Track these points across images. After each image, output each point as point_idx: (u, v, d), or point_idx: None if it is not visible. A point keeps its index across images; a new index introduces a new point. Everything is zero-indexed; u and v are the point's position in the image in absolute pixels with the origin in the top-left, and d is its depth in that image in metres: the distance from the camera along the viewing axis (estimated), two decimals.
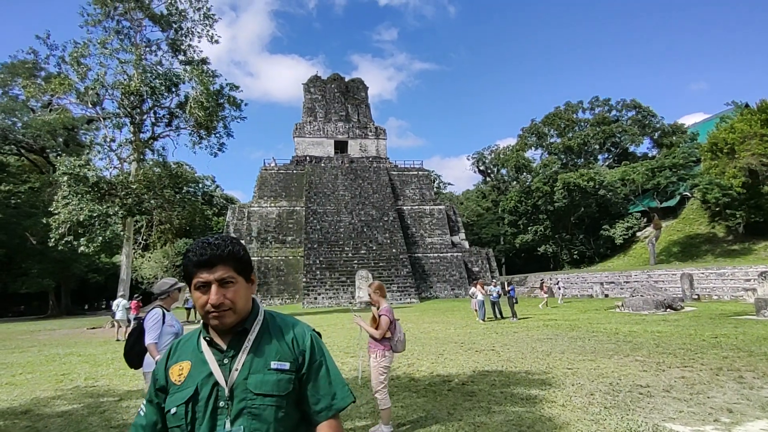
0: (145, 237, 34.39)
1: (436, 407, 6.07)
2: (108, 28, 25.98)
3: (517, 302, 19.80)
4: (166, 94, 26.06)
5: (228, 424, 1.39)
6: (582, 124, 66.20)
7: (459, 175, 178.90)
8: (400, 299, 34.49)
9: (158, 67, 26.85)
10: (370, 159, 49.58)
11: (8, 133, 40.67)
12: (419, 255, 41.63)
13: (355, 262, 37.51)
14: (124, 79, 24.58)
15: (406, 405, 6.23)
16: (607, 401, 5.99)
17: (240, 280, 1.49)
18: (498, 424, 5.24)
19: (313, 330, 1.64)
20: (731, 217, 37.93)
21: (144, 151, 27.38)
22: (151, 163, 29.11)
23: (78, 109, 27.38)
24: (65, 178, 22.13)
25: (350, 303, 33.42)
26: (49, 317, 39.71)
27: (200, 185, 64.83)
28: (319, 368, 1.54)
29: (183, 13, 27.16)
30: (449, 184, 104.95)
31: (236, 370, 1.44)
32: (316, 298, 34.68)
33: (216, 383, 1.44)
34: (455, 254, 42.43)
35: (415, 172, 48.76)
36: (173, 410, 1.45)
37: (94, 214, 22.02)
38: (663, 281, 26.67)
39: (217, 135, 28.15)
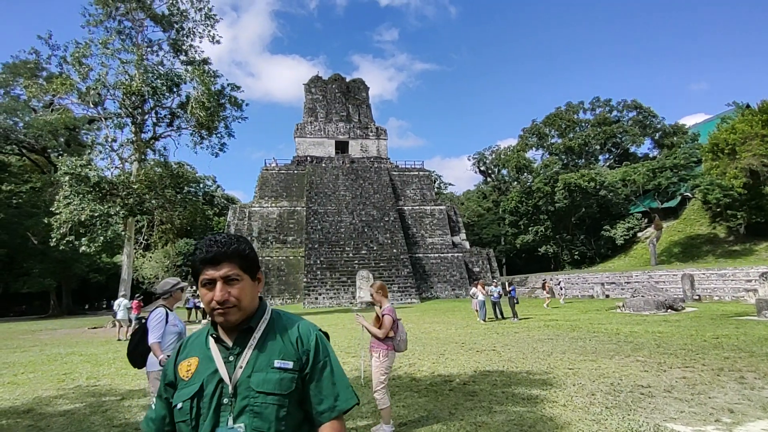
0: (146, 237, 34.44)
1: (438, 407, 6.08)
2: (110, 29, 26.04)
3: (518, 302, 19.80)
4: (167, 94, 26.10)
5: (231, 421, 1.40)
6: (583, 124, 66.13)
7: (460, 176, 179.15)
8: (401, 299, 34.48)
9: (160, 67, 26.89)
10: (371, 159, 49.60)
11: (10, 133, 40.71)
12: (420, 255, 41.63)
13: (356, 262, 37.51)
14: (126, 79, 24.61)
15: (408, 405, 6.24)
16: (608, 401, 6.00)
17: (245, 278, 1.50)
18: (499, 424, 5.25)
19: (320, 330, 1.63)
20: (732, 217, 37.88)
21: (145, 151, 27.40)
22: (152, 163, 29.09)
23: (79, 109, 27.44)
24: (67, 178, 22.15)
25: (351, 303, 33.43)
26: (50, 317, 39.73)
27: (201, 185, 64.86)
28: (323, 368, 1.53)
29: (184, 14, 27.21)
30: (450, 184, 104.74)
31: (240, 367, 1.45)
32: (316, 298, 34.68)
33: (221, 380, 1.45)
34: (456, 254, 42.42)
35: (416, 173, 48.76)
36: (179, 405, 1.47)
37: (96, 214, 22.04)
38: (664, 282, 26.66)
39: (218, 135, 28.19)
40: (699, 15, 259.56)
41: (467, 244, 47.30)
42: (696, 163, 42.39)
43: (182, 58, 27.98)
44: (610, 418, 5.28)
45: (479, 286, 19.08)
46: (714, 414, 5.33)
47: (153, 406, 1.58)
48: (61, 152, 41.26)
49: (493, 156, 74.01)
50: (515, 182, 66.68)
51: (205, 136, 27.65)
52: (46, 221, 24.46)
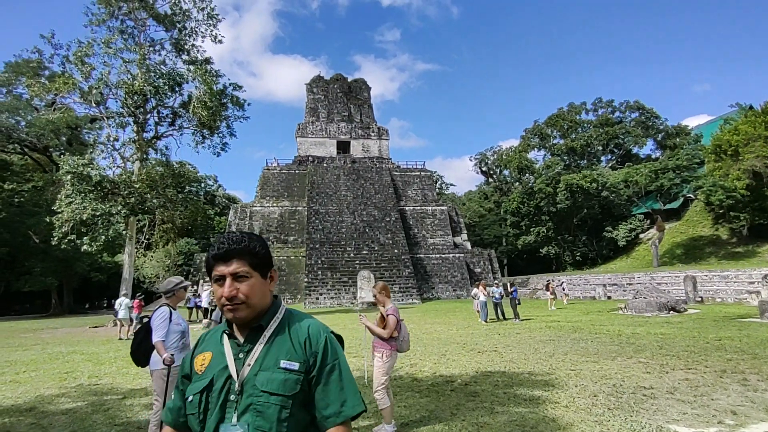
0: (147, 236, 34.50)
1: (440, 407, 6.07)
2: (112, 28, 26.08)
3: (519, 303, 19.78)
4: (169, 93, 26.14)
5: (235, 418, 1.40)
6: (585, 125, 65.99)
7: (461, 176, 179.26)
8: (402, 300, 34.46)
9: (162, 66, 26.92)
10: (373, 159, 49.59)
11: (12, 132, 40.82)
12: (421, 256, 41.60)
13: (357, 262, 37.51)
14: (128, 79, 24.66)
15: (410, 405, 6.24)
16: (610, 402, 5.98)
17: (255, 275, 1.50)
18: (501, 425, 5.24)
19: (331, 332, 1.60)
20: (735, 219, 37.76)
21: (147, 151, 27.44)
22: (154, 162, 29.12)
23: (81, 108, 27.55)
24: (68, 177, 22.18)
25: (352, 303, 33.42)
26: (51, 316, 39.79)
27: (202, 185, 64.86)
28: (330, 372, 1.50)
29: (187, 13, 27.26)
30: (451, 185, 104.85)
31: (249, 365, 1.45)
32: (317, 299, 34.69)
33: (229, 376, 1.45)
34: (457, 255, 42.39)
35: (418, 173, 48.74)
36: (190, 398, 1.49)
37: (97, 213, 22.07)
38: (666, 283, 26.59)
39: (220, 134, 28.25)
40: (702, 16, 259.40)
41: (469, 245, 47.26)
42: (699, 164, 42.26)
43: (184, 57, 28.03)
44: (613, 420, 5.27)
45: (481, 287, 19.06)
46: (717, 416, 5.31)
47: (173, 397, 1.63)
48: (63, 151, 41.35)
49: (495, 156, 73.94)
50: (517, 183, 66.58)
51: (207, 136, 27.71)
52: (47, 220, 24.52)
